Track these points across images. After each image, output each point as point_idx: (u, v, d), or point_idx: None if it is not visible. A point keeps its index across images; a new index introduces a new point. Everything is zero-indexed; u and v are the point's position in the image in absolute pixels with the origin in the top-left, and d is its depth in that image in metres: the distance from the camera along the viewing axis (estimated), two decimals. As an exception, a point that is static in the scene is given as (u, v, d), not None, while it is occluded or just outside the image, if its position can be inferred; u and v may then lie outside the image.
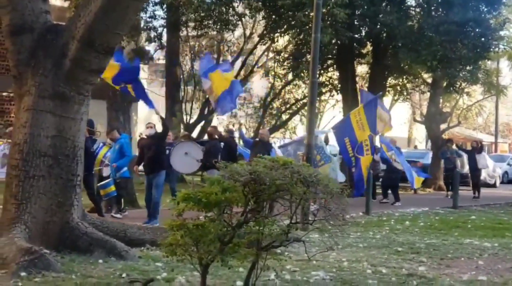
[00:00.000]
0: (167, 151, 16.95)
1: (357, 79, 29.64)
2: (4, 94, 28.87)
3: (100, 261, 9.48)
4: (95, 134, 15.23)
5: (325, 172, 16.86)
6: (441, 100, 36.13)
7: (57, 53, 10.26)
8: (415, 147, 49.17)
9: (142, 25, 27.98)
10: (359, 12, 25.11)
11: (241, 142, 20.44)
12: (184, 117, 30.73)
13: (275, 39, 29.18)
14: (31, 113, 10.16)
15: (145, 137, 15.52)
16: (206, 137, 20.09)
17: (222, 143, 17.08)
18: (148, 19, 28.53)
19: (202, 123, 31.10)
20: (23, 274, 8.29)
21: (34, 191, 9.94)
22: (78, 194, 10.34)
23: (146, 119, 40.22)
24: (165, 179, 17.30)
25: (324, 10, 20.09)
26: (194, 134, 29.13)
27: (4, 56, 28.46)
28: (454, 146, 26.87)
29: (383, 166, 23.82)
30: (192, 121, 31.21)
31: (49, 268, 8.55)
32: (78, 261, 9.39)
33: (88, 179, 14.45)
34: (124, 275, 8.63)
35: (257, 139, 16.80)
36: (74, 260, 9.43)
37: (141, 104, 35.65)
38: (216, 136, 17.15)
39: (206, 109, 31.40)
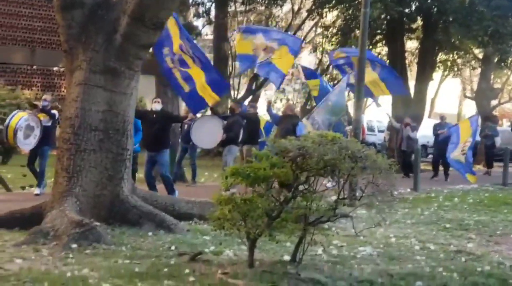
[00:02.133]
0: (186, 126, 16.91)
1: (406, 54, 29.31)
2: (55, 68, 29.30)
3: (150, 234, 9.62)
4: None
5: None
6: (492, 76, 35.59)
7: (108, 28, 10.35)
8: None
9: (190, 0, 28.09)
10: (409, -13, 24.81)
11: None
12: (232, 93, 30.81)
13: (324, 14, 29.01)
14: (82, 88, 10.29)
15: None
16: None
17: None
18: (197, -6, 28.66)
19: (250, 98, 31.16)
20: (74, 246, 8.43)
21: (85, 165, 10.09)
22: (127, 168, 10.46)
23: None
24: (186, 154, 17.42)
25: (373, -15, 19.87)
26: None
27: (54, 31, 28.87)
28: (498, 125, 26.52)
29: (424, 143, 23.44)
30: (239, 96, 31.27)
31: (100, 240, 8.69)
32: (128, 234, 9.53)
33: None
34: (173, 247, 8.73)
35: (283, 114, 16.59)
36: (124, 233, 9.58)
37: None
38: (238, 112, 16.82)
39: (254, 84, 31.44)
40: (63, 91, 29.05)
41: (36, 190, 14.21)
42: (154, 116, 14.04)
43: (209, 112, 16.70)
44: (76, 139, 10.15)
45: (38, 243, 8.62)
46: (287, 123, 15.66)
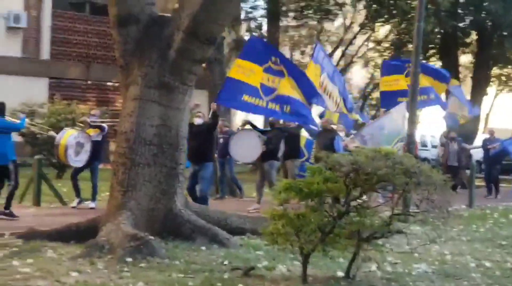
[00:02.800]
0: (221, 140, 16.80)
1: (460, 69, 29.01)
2: (109, 83, 29.74)
3: (203, 248, 9.65)
4: None
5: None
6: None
7: (162, 44, 10.47)
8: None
9: (243, 16, 28.27)
10: (463, 1, 24.60)
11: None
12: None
13: (376, 29, 28.92)
14: (137, 103, 10.41)
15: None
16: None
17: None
18: (249, 10, 28.84)
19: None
20: (128, 259, 8.51)
21: (140, 179, 10.19)
22: (181, 182, 10.54)
23: (245, 117, 40.59)
24: (223, 168, 17.35)
25: (427, -1, 19.73)
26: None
27: (109, 46, 29.29)
28: None
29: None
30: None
31: (154, 254, 8.75)
32: (182, 248, 9.58)
33: None
34: (226, 262, 8.75)
35: (321, 129, 16.35)
36: (177, 247, 9.63)
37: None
38: (278, 126, 16.19)
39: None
40: (117, 106, 29.47)
41: (91, 204, 14.34)
42: (195, 129, 13.75)
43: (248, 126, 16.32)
44: (131, 154, 10.26)
45: (94, 256, 8.72)
46: (325, 138, 15.49)
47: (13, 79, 26.54)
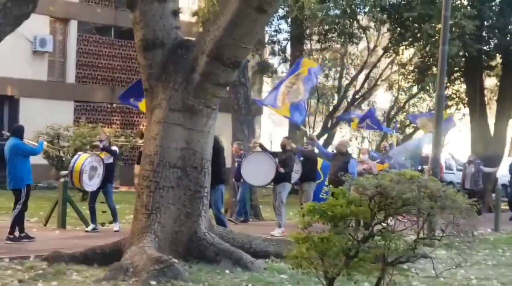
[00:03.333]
0: (237, 163, 16.74)
1: (485, 92, 28.84)
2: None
3: (227, 271, 9.65)
4: None
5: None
6: None
7: (187, 67, 10.55)
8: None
9: (266, 39, 28.37)
10: (487, 24, 24.51)
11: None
12: (308, 130, 30.82)
13: (400, 52, 28.87)
14: (161, 126, 10.47)
15: None
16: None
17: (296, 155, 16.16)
18: (272, 33, 28.93)
19: (325, 136, 31.10)
20: (153, 282, 8.53)
21: (164, 202, 10.23)
22: (205, 205, 10.56)
23: (270, 132, 40.66)
24: (245, 191, 17.27)
25: (451, 22, 19.70)
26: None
27: (134, 70, 29.53)
28: None
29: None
30: (315, 134, 31.26)
31: (178, 277, 8.77)
32: (206, 271, 9.58)
33: None
34: (250, 285, 8.72)
35: (336, 152, 16.29)
36: (201, 270, 9.63)
37: (265, 117, 36.14)
38: (290, 148, 15.96)
39: (330, 122, 31.40)
40: (141, 129, 29.64)
41: (115, 227, 14.39)
42: None
43: (258, 149, 16.16)
44: (155, 176, 10.31)
45: (118, 279, 8.75)
46: (339, 161, 15.47)
47: (39, 103, 26.83)
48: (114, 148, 14.99)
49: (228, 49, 10.31)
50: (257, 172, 15.11)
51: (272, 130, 43.05)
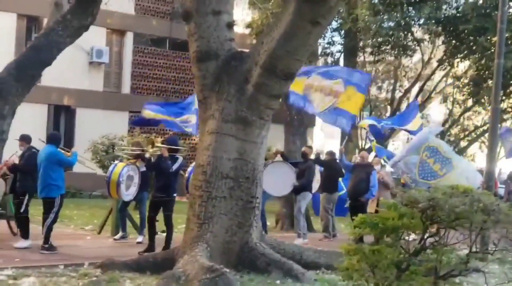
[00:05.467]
0: None
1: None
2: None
3: (278, 281, 9.68)
4: (178, 151, 13.55)
5: (453, 182, 15.18)
6: None
7: (240, 78, 10.64)
8: None
9: (320, 51, 28.38)
10: (545, 36, 24.13)
11: None
12: (360, 142, 30.72)
13: (455, 64, 28.61)
14: (214, 136, 10.59)
15: None
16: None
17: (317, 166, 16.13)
18: (326, 45, 28.92)
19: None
20: (204, 291, 8.61)
21: (216, 212, 10.33)
22: (257, 216, 10.63)
23: (321, 144, 40.58)
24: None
25: (507, 35, 19.49)
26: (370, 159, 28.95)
27: (187, 81, 29.84)
28: None
29: None
30: (367, 146, 31.11)
31: (229, 287, 8.84)
32: (257, 281, 9.64)
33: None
34: (300, 296, 8.75)
35: (357, 162, 16.10)
36: (252, 280, 9.69)
37: (317, 129, 36.11)
38: (311, 157, 16.06)
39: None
40: (194, 140, 29.88)
41: (139, 238, 14.14)
42: None
43: (279, 158, 15.94)
44: (207, 187, 10.42)
45: (170, 287, 8.85)
46: (360, 172, 15.35)
47: (95, 113, 27.31)
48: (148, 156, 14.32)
49: (281, 61, 10.37)
50: (276, 181, 14.78)
51: (324, 142, 42.96)
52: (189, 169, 14.79)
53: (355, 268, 7.48)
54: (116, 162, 14.86)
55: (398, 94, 33.64)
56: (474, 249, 7.50)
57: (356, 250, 7.53)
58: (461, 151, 33.21)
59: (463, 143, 33.67)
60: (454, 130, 33.87)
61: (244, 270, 10.12)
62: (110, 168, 14.16)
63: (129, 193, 13.94)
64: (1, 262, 10.66)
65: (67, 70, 25.35)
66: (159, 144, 13.65)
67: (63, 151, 12.77)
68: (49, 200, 12.22)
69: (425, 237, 7.54)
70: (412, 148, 15.13)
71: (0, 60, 22.68)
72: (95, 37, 25.20)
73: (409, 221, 7.50)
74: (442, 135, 32.41)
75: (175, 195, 13.16)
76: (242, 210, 10.46)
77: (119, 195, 13.82)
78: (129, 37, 29.21)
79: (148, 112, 15.78)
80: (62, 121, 27.75)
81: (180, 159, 13.11)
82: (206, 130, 10.78)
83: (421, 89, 32.04)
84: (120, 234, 14.35)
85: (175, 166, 12.84)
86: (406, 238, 7.59)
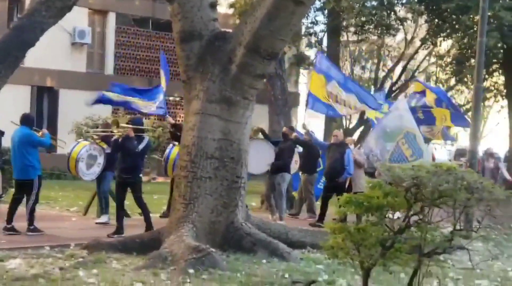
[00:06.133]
0: None
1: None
2: (171, 98, 30.13)
3: (263, 261, 9.74)
4: (144, 132, 13.16)
5: None
6: None
7: (224, 59, 10.63)
8: None
9: (303, 31, 28.35)
10: (527, 15, 24.20)
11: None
12: (344, 122, 30.80)
13: (438, 43, 28.68)
14: (199, 117, 10.59)
15: None
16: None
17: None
18: (309, 25, 28.89)
19: (362, 128, 31.02)
20: (191, 271, 8.64)
21: (201, 192, 10.36)
22: (242, 196, 10.66)
23: (307, 123, 40.57)
24: None
25: (489, 14, 19.53)
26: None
27: (171, 62, 29.71)
28: None
29: None
30: (352, 125, 31.21)
31: (216, 266, 8.88)
32: (242, 260, 9.69)
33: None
34: (286, 275, 8.81)
35: (332, 142, 15.98)
36: (238, 259, 9.74)
37: (301, 109, 36.14)
38: (292, 137, 15.77)
39: (365, 114, 31.29)
40: (179, 120, 29.84)
41: (102, 218, 13.95)
42: None
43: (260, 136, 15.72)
44: (192, 167, 10.44)
45: (157, 267, 8.89)
46: (335, 152, 15.22)
47: (79, 94, 27.13)
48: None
49: (265, 41, 10.37)
50: (255, 159, 14.03)
51: (308, 121, 43.01)
52: (167, 151, 14.80)
53: (340, 247, 7.52)
54: (79, 140, 14.57)
55: (381, 74, 33.72)
56: (458, 227, 7.56)
57: (341, 228, 7.57)
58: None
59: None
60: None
61: (230, 249, 10.17)
62: (71, 146, 13.88)
63: (90, 172, 13.59)
64: (-13, 245, 10.66)
65: (50, 51, 25.17)
66: (124, 125, 13.30)
67: (37, 133, 12.48)
68: (27, 182, 12.09)
69: (409, 215, 7.60)
70: (388, 134, 15.07)
71: (-19, 42, 22.72)
72: (77, 17, 25.04)
73: (394, 200, 7.55)
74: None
75: (141, 176, 12.95)
76: (227, 190, 10.49)
77: (78, 173, 13.53)
78: (111, 17, 29.05)
79: (112, 94, 15.49)
80: (45, 102, 27.62)
81: (146, 139, 12.82)
82: (190, 111, 10.78)
83: (404, 69, 32.13)
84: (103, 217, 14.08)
85: (141, 146, 12.53)
86: (391, 216, 7.65)
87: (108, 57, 29.02)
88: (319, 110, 16.42)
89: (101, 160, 13.58)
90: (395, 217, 7.70)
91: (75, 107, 25.24)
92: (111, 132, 13.87)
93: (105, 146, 13.72)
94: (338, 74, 16.88)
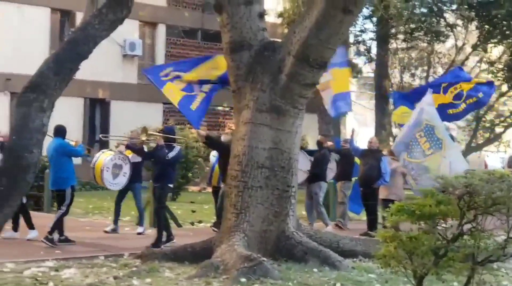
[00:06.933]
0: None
1: None
2: (219, 108, 30.35)
3: (315, 270, 9.73)
4: (175, 141, 13.03)
5: (435, 165, 14.25)
6: None
7: (274, 68, 10.69)
8: None
9: (351, 39, 28.32)
10: None
11: None
12: (394, 130, 30.57)
13: (489, 50, 28.35)
14: (249, 126, 10.65)
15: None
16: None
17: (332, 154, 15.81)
18: (357, 33, 28.84)
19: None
20: (243, 280, 8.69)
21: (252, 201, 10.41)
22: (293, 205, 10.68)
23: (356, 132, 40.38)
24: None
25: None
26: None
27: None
28: None
29: None
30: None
31: (267, 275, 8.91)
32: (294, 269, 9.69)
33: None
34: (338, 284, 8.81)
35: (367, 148, 15.75)
36: (290, 268, 9.74)
37: (350, 117, 36.03)
38: (327, 145, 15.66)
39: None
40: (228, 130, 29.98)
41: (139, 229, 13.97)
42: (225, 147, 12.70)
43: None
44: (243, 176, 10.50)
45: (209, 276, 8.96)
46: (370, 158, 14.96)
47: (130, 105, 27.54)
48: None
49: (314, 50, 10.38)
50: None
51: (357, 130, 42.86)
52: (213, 160, 14.71)
53: (393, 255, 7.50)
54: (104, 150, 14.52)
55: (431, 81, 33.40)
56: (511, 235, 7.48)
57: (393, 237, 7.54)
58: (497, 138, 32.94)
59: (498, 129, 33.35)
60: (489, 116, 33.55)
61: (281, 258, 10.19)
62: (96, 155, 13.84)
63: (116, 182, 13.56)
64: (42, 254, 10.86)
65: (101, 64, 25.52)
66: (153, 132, 13.27)
67: (70, 143, 12.61)
68: (60, 193, 12.22)
69: (463, 223, 7.54)
70: (411, 131, 14.82)
71: (35, 54, 23.17)
72: (128, 30, 25.37)
73: (446, 208, 7.50)
74: (477, 121, 32.17)
75: (170, 185, 12.85)
76: (278, 199, 10.53)
77: (104, 183, 13.50)
78: (161, 29, 29.37)
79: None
80: (97, 113, 28.03)
81: (177, 149, 12.75)
82: (240, 120, 10.85)
83: (455, 75, 31.74)
84: (111, 226, 14.05)
85: (171, 154, 12.46)
86: (444, 224, 7.60)
87: (157, 69, 29.32)
88: (342, 110, 16.12)
89: (126, 169, 13.53)
90: (448, 225, 7.64)
91: (126, 118, 25.58)
92: (142, 142, 13.58)
93: (130, 154, 13.65)
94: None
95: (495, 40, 26.14)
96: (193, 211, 16.50)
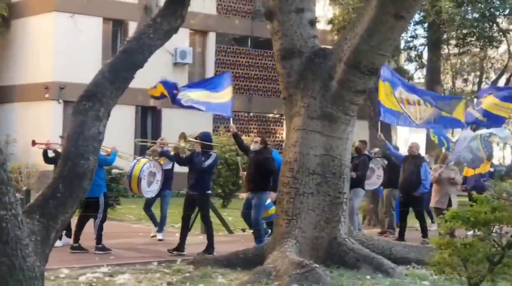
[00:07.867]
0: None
1: None
2: (270, 115, 30.43)
3: (368, 277, 9.69)
4: (211, 148, 12.85)
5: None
6: None
7: (325, 75, 10.69)
8: None
9: (402, 45, 28.13)
10: None
11: None
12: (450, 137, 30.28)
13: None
14: (300, 133, 10.67)
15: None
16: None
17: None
18: (409, 39, 28.63)
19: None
20: (295, 286, 8.71)
21: (304, 208, 10.42)
22: (344, 211, 10.67)
23: (406, 138, 40.18)
24: None
25: None
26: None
27: (270, 79, 30.03)
28: None
29: None
30: (454, 139, 30.63)
31: (319, 282, 8.91)
32: (346, 276, 9.67)
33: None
34: (391, 291, 8.76)
35: (407, 154, 15.46)
36: (342, 275, 9.73)
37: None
38: (366, 152, 15.50)
39: (470, 127, 30.68)
40: (278, 137, 30.06)
41: (159, 236, 14.00)
42: (252, 155, 12.98)
43: None
44: (295, 183, 10.52)
45: (261, 282, 8.99)
46: (410, 164, 14.75)
47: (180, 112, 27.68)
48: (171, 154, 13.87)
49: (365, 56, 10.37)
50: None
51: (408, 136, 42.50)
52: None
53: (447, 262, 7.45)
54: (138, 157, 14.61)
55: (484, 87, 33.00)
56: None
57: (448, 244, 7.49)
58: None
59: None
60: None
61: (333, 265, 10.18)
62: (132, 163, 13.84)
63: (151, 189, 13.58)
64: (97, 260, 11.03)
65: (153, 72, 25.68)
66: (192, 139, 13.31)
67: (103, 151, 12.40)
68: (93, 200, 12.10)
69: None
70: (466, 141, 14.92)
71: (87, 63, 23.54)
72: (178, 38, 25.46)
73: (501, 214, 7.42)
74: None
75: (208, 192, 12.66)
76: (329, 206, 10.52)
77: (140, 191, 13.52)
78: (211, 37, 29.59)
79: (183, 93, 14.76)
80: (149, 121, 28.34)
81: (214, 156, 12.56)
82: (292, 127, 10.88)
83: (508, 81, 31.35)
84: (156, 230, 14.15)
85: (207, 162, 12.32)
86: (499, 231, 7.52)
87: (208, 76, 29.50)
88: (389, 120, 15.98)
89: (159, 176, 13.54)
90: (503, 231, 7.56)
91: (177, 126, 25.76)
92: (177, 148, 13.48)
93: (162, 161, 13.74)
94: (403, 80, 16.40)
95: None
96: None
